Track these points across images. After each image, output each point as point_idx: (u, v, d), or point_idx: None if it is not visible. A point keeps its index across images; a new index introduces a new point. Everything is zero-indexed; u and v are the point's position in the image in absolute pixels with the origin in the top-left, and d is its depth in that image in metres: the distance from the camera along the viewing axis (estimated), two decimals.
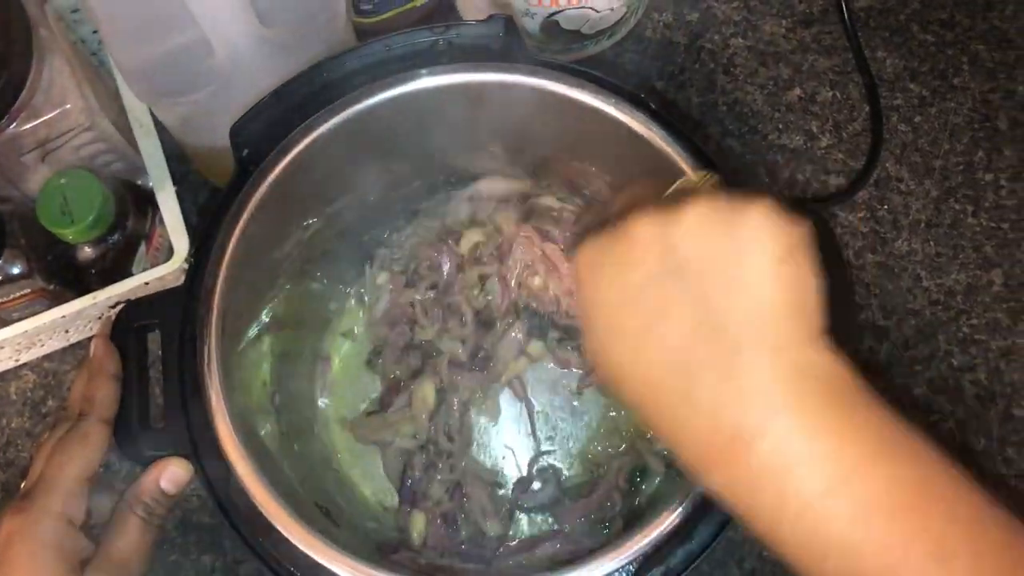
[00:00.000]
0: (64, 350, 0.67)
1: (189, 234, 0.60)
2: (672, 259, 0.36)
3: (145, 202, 0.62)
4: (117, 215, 0.59)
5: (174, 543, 0.62)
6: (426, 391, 0.60)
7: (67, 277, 0.61)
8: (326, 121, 0.50)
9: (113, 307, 0.61)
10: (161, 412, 0.47)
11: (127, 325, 0.49)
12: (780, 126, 0.71)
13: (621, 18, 0.69)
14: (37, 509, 0.42)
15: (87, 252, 0.60)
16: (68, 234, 0.57)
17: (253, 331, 0.54)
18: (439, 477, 0.59)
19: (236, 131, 0.50)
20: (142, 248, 0.62)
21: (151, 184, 0.62)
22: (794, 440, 0.33)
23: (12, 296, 0.59)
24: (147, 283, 0.59)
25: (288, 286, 0.57)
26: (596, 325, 0.39)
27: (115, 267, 0.61)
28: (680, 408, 0.36)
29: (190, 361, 0.47)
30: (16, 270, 0.58)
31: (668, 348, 0.36)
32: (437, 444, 0.59)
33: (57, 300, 0.61)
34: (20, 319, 0.60)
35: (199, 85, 0.54)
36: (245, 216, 0.49)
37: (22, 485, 0.45)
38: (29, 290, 0.59)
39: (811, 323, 0.35)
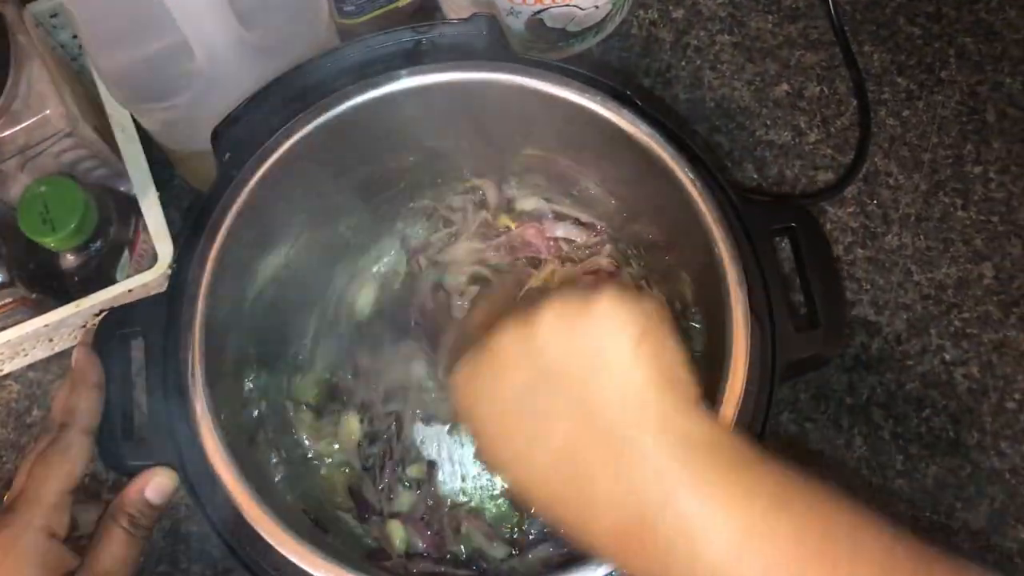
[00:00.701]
0: (48, 359, 0.66)
1: (173, 240, 0.59)
2: (537, 365, 0.37)
3: (128, 208, 0.61)
4: (99, 222, 0.58)
5: (163, 553, 0.61)
6: (350, 424, 0.60)
7: (50, 285, 0.61)
8: (308, 123, 0.50)
9: (97, 315, 0.60)
10: (145, 421, 0.46)
11: (110, 333, 0.48)
12: (768, 122, 0.71)
13: (606, 15, 0.68)
14: (19, 523, 0.42)
15: (69, 260, 0.59)
16: (50, 242, 0.57)
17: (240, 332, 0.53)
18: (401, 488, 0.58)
19: (217, 135, 0.50)
20: (125, 255, 0.61)
21: (134, 190, 0.61)
22: (692, 512, 0.34)
23: None
24: (131, 290, 0.59)
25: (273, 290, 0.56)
26: (483, 441, 0.40)
27: (98, 274, 0.60)
28: (582, 508, 0.37)
29: (174, 368, 0.46)
30: None
31: (555, 452, 0.37)
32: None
33: (40, 309, 0.60)
34: (3, 328, 0.59)
35: (180, 89, 0.53)
36: (228, 220, 0.48)
37: (4, 498, 0.45)
38: (11, 299, 0.58)
39: (684, 393, 0.36)
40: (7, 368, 0.65)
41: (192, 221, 0.49)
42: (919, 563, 0.33)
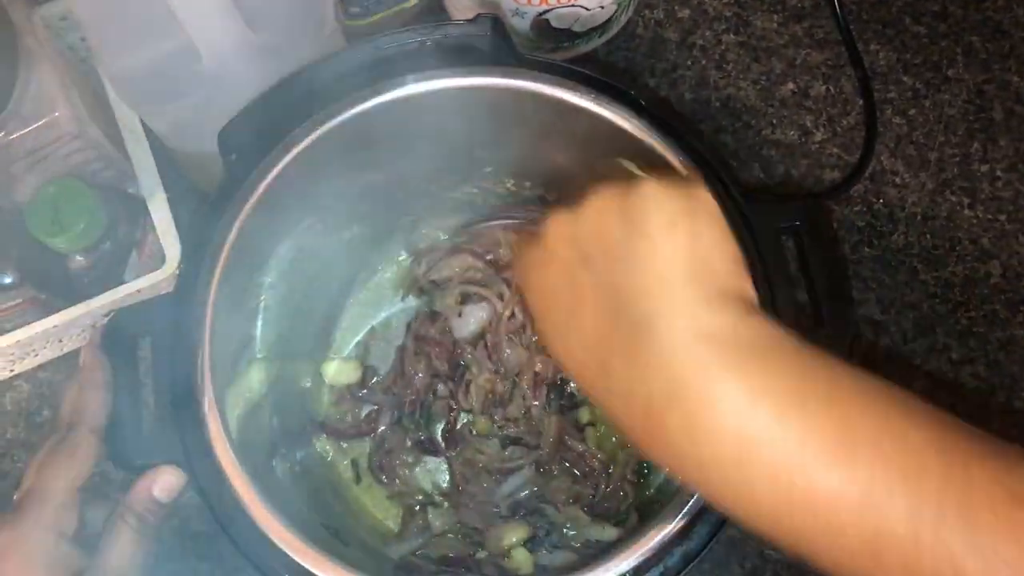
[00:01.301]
0: (58, 359, 0.66)
1: (181, 240, 0.60)
2: (578, 251, 0.38)
3: (136, 209, 0.62)
4: (108, 223, 0.59)
5: (171, 551, 0.61)
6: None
7: (59, 286, 0.61)
8: (316, 126, 0.50)
9: (106, 315, 0.60)
10: (153, 420, 0.47)
11: (119, 333, 0.49)
12: (774, 121, 0.71)
13: (612, 16, 0.68)
14: (27, 523, 0.42)
15: (78, 261, 0.60)
16: (59, 243, 0.57)
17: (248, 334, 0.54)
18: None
19: (224, 137, 0.50)
20: (134, 255, 0.62)
21: (142, 191, 0.62)
22: (697, 410, 0.33)
23: (4, 306, 0.59)
24: (140, 290, 0.59)
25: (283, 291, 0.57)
26: (535, 317, 0.42)
27: (107, 275, 0.61)
28: (604, 392, 0.37)
29: (182, 368, 0.46)
30: (7, 280, 0.58)
31: (585, 336, 0.37)
32: None
33: (49, 309, 0.60)
34: (12, 329, 0.60)
35: (187, 91, 0.54)
36: (237, 222, 0.49)
37: (14, 497, 0.45)
38: (21, 299, 0.59)
39: (717, 284, 0.35)
40: (17, 368, 0.66)
41: (200, 222, 0.49)
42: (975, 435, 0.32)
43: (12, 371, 0.66)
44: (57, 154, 0.59)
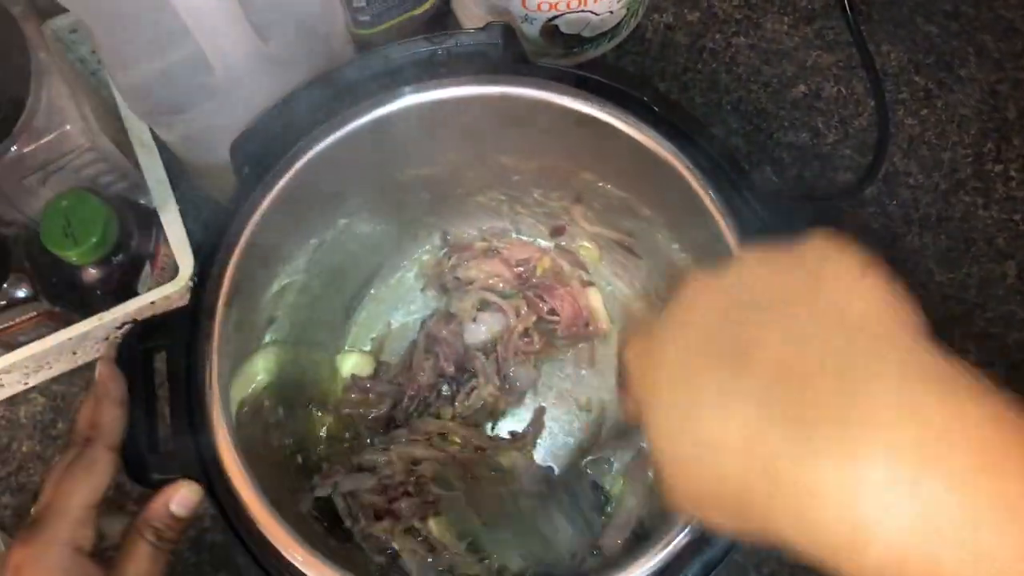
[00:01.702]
0: (72, 372, 0.66)
1: (193, 252, 0.60)
2: (739, 298, 0.33)
3: (148, 221, 0.62)
4: (121, 235, 0.59)
5: (187, 562, 0.61)
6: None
7: (73, 299, 0.61)
8: (328, 136, 0.50)
9: (120, 328, 0.60)
10: (169, 434, 0.47)
11: (133, 346, 0.49)
12: (785, 124, 0.71)
13: (621, 20, 0.68)
14: (45, 539, 0.42)
15: (92, 273, 0.60)
16: (72, 256, 0.57)
17: (258, 348, 0.54)
18: None
19: (236, 147, 0.50)
20: (147, 267, 0.61)
21: (154, 203, 0.62)
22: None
23: (18, 319, 0.59)
24: (153, 302, 0.59)
25: (294, 303, 0.56)
26: (655, 413, 0.34)
27: (121, 287, 0.61)
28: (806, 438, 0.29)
29: (197, 382, 0.46)
30: (21, 293, 0.58)
31: (766, 379, 0.31)
32: None
33: (63, 322, 0.60)
34: (27, 342, 0.60)
35: (197, 102, 0.54)
36: (248, 232, 0.49)
37: (31, 512, 0.45)
38: (35, 313, 0.59)
39: (917, 327, 0.31)
40: (32, 381, 0.66)
41: (213, 235, 0.49)
42: None
43: (26, 384, 0.66)
44: (69, 166, 0.59)
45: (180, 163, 0.64)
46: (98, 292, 0.61)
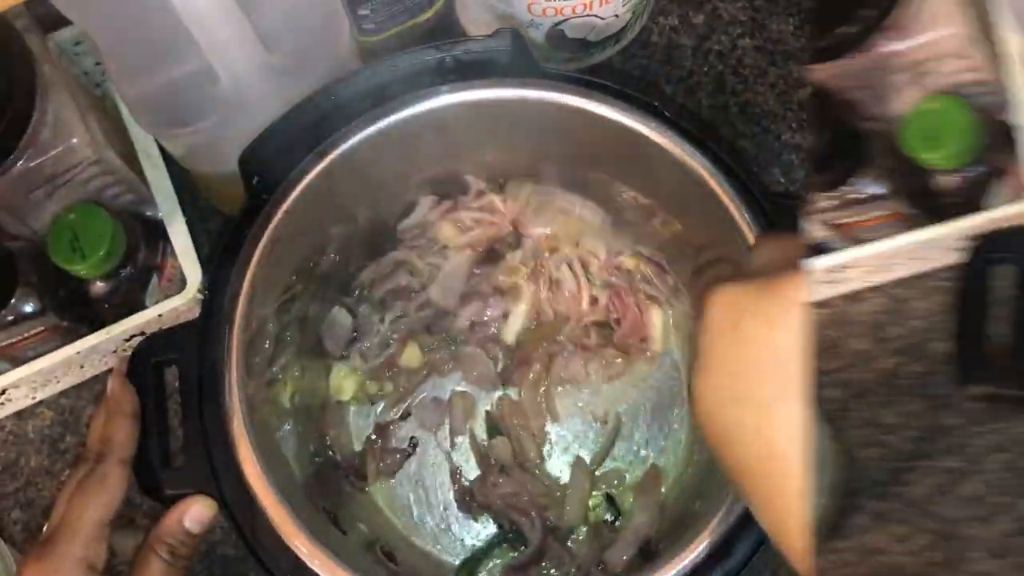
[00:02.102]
0: (80, 385, 0.66)
1: (201, 264, 0.59)
2: None
3: (156, 233, 0.61)
4: (128, 248, 0.58)
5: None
6: None
7: (80, 312, 0.61)
8: (338, 145, 0.50)
9: (128, 340, 0.60)
10: (181, 449, 0.46)
11: (144, 360, 0.48)
12: (793, 125, 0.70)
13: (626, 24, 0.68)
14: (57, 556, 0.42)
15: (99, 287, 0.60)
16: (79, 270, 0.57)
17: (278, 361, 0.53)
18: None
19: (245, 158, 0.50)
20: (154, 280, 0.61)
21: (160, 215, 0.61)
22: None
23: (26, 334, 0.59)
24: (161, 315, 0.59)
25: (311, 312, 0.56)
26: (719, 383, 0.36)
27: (128, 300, 0.60)
28: None
29: (210, 396, 0.46)
30: (29, 308, 0.58)
31: None
32: None
33: (71, 336, 0.60)
34: (34, 357, 0.60)
35: (205, 114, 0.53)
36: (261, 245, 0.49)
37: (43, 529, 0.45)
38: (42, 327, 0.59)
39: None
40: (39, 395, 0.65)
41: (223, 247, 0.49)
42: None
43: (34, 398, 0.65)
44: (76, 180, 0.59)
45: (187, 175, 0.64)
46: (106, 305, 0.60)
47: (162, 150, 0.62)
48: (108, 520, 0.44)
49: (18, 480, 0.65)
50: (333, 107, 0.50)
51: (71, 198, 0.60)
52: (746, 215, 0.48)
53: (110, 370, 0.64)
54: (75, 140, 0.57)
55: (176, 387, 0.48)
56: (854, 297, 0.64)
